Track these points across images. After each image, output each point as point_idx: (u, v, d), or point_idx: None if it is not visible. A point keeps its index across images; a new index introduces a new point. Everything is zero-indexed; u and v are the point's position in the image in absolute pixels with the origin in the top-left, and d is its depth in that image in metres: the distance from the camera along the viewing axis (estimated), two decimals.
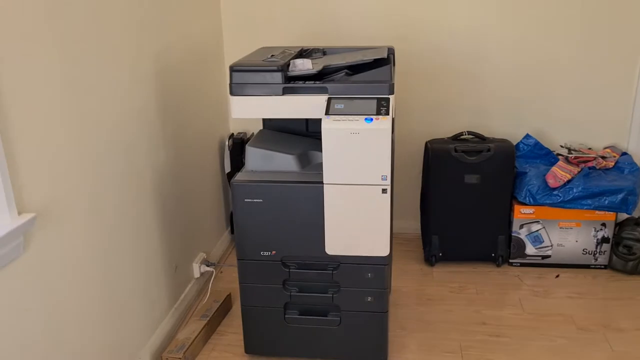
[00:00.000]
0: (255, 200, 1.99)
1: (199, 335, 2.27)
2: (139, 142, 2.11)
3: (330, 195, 1.94)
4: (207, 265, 2.72)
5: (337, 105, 1.91)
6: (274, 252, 2.05)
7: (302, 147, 2.14)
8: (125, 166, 2.01)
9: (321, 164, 1.91)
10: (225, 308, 2.52)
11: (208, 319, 2.37)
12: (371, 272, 2.03)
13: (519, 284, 2.73)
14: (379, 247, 1.99)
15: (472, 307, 2.55)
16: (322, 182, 1.93)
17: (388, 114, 1.86)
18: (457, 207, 2.80)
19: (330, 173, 1.91)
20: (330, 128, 1.86)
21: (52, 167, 1.59)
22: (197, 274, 2.67)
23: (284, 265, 2.07)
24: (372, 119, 1.85)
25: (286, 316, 2.14)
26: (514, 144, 2.82)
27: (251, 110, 1.99)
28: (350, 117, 1.87)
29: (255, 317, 2.16)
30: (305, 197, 1.96)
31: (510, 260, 2.87)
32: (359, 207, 1.94)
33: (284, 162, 2.07)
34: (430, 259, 2.88)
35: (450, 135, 2.88)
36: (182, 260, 2.54)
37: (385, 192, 1.91)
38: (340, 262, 2.04)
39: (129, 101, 2.03)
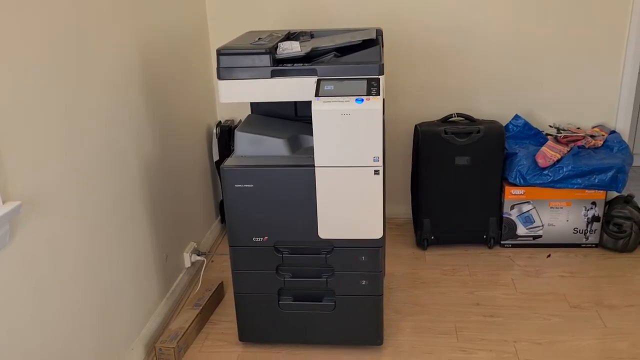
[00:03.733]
0: (245, 185, 1.96)
1: (192, 325, 2.24)
2: (125, 131, 2.06)
3: (322, 178, 1.91)
4: (198, 255, 2.69)
5: (327, 87, 1.88)
6: (266, 237, 2.02)
7: (292, 131, 2.11)
8: (111, 155, 1.97)
9: (312, 147, 1.89)
10: (217, 297, 2.49)
11: (200, 308, 2.34)
12: (365, 255, 2.01)
13: (511, 265, 2.73)
14: (373, 229, 1.97)
15: (466, 288, 2.55)
16: (313, 165, 1.90)
17: (379, 94, 1.84)
18: (448, 190, 2.79)
19: (321, 155, 1.88)
20: (321, 109, 1.83)
21: (36, 157, 1.55)
22: (188, 264, 2.63)
23: (277, 250, 2.05)
24: (362, 100, 1.83)
25: (280, 302, 2.12)
26: (504, 125, 2.81)
27: (239, 95, 1.96)
28: (341, 98, 1.84)
29: (248, 304, 2.13)
30: (297, 181, 1.94)
31: (502, 242, 2.87)
32: (352, 189, 1.92)
33: (273, 147, 2.04)
34: (422, 243, 2.88)
35: (439, 117, 2.86)
36: (173, 250, 2.50)
37: (378, 174, 1.89)
38: (333, 245, 2.02)
39: (114, 89, 1.98)
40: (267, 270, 2.07)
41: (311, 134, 1.87)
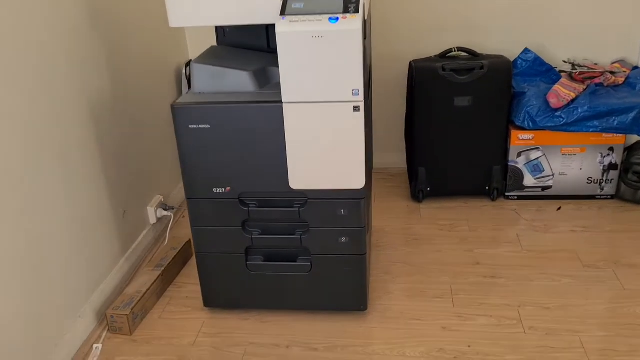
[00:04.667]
0: (201, 126, 1.65)
1: (151, 288, 1.97)
2: (68, 65, 1.74)
3: (291, 117, 1.60)
4: (165, 210, 2.40)
5: (295, 4, 1.54)
6: (228, 188, 1.72)
7: (260, 63, 1.78)
8: (51, 91, 1.65)
9: None
10: (184, 256, 2.21)
11: (163, 269, 2.07)
12: (345, 208, 1.72)
13: (517, 219, 2.44)
14: (353, 178, 1.66)
15: (464, 246, 2.26)
16: (280, 102, 1.58)
17: (358, 12, 1.50)
18: (446, 135, 2.47)
19: (289, 89, 1.56)
20: (287, 31, 1.50)
21: None
22: (153, 220, 2.35)
23: (242, 203, 1.75)
24: (337, 18, 1.49)
25: (248, 263, 1.83)
26: (511, 60, 2.45)
27: (192, 16, 1.62)
28: (311, 17, 1.50)
29: (212, 265, 1.85)
30: (262, 121, 1.62)
31: (507, 193, 2.57)
32: (327, 130, 1.60)
33: (237, 81, 1.71)
34: (417, 195, 2.57)
35: (437, 53, 2.51)
36: (134, 205, 2.21)
37: (358, 110, 1.57)
38: (307, 197, 1.72)
39: (55, 16, 1.65)
40: (232, 227, 1.78)
41: None
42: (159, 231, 2.40)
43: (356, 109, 1.57)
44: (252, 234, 1.79)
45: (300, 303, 1.88)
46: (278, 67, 1.55)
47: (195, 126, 1.65)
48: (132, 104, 2.19)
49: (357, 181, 1.67)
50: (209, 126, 1.64)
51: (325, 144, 1.62)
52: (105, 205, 1.99)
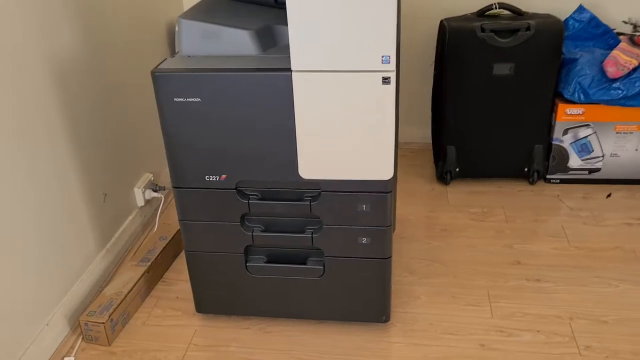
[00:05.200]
0: (189, 99, 1.31)
1: (134, 288, 1.67)
2: (23, 15, 1.39)
3: (302, 90, 1.26)
4: (155, 191, 2.08)
5: None
6: (223, 176, 1.40)
7: (264, 20, 1.43)
8: None
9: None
10: (175, 247, 1.91)
11: (149, 263, 1.76)
12: (367, 203, 1.39)
13: (560, 207, 2.11)
14: (379, 167, 1.33)
15: (501, 239, 1.94)
16: (289, 70, 1.24)
17: None
18: (482, 108, 2.12)
19: (301, 54, 1.22)
20: None
21: None
22: (140, 202, 2.03)
23: (241, 194, 1.43)
24: None
25: (248, 264, 1.52)
26: (562, 20, 2.07)
27: None
28: None
29: (205, 266, 1.55)
30: (266, 94, 1.29)
31: (548, 176, 2.23)
32: (347, 107, 1.26)
33: (235, 42, 1.37)
34: (444, 176, 2.24)
35: (474, 10, 2.14)
36: (117, 186, 1.89)
37: (388, 83, 1.23)
38: (321, 189, 1.39)
39: None
40: (228, 222, 1.46)
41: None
42: (147, 216, 2.09)
43: (386, 80, 1.23)
44: (252, 231, 1.47)
45: (310, 312, 1.58)
46: (287, 25, 1.21)
47: (181, 99, 1.31)
48: (112, 65, 1.85)
49: (384, 171, 1.34)
50: (199, 99, 1.31)
51: (345, 123, 1.28)
52: (79, 189, 1.68)
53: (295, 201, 1.42)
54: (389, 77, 1.22)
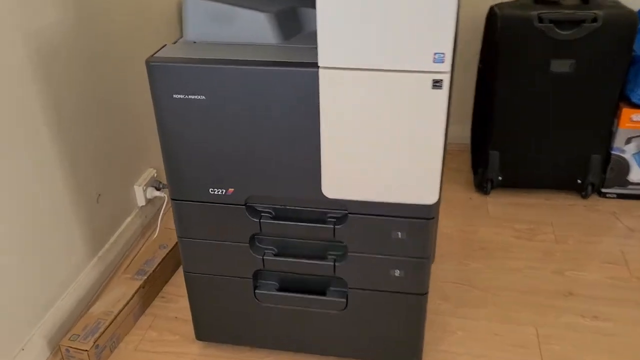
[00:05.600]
0: (192, 96, 1.07)
1: (127, 306, 1.46)
2: None
3: (330, 91, 1.01)
4: (158, 189, 1.86)
5: None
6: (231, 190, 1.16)
7: (287, 1, 1.18)
8: None
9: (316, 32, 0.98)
10: (178, 257, 1.67)
11: (146, 276, 1.54)
12: (403, 229, 1.14)
13: (617, 227, 1.84)
14: (422, 189, 1.08)
15: (550, 263, 1.68)
16: (315, 65, 0.99)
17: None
18: (534, 109, 1.84)
19: (331, 46, 0.97)
20: None
21: None
22: (141, 201, 1.81)
23: (251, 211, 1.19)
24: None
25: (257, 291, 1.29)
26: (635, 11, 1.78)
27: None
28: None
29: (207, 291, 1.32)
30: (286, 93, 1.04)
31: (603, 190, 1.95)
32: (386, 114, 1.01)
33: (251, 27, 1.12)
34: (484, 185, 1.98)
35: None
36: (114, 184, 1.67)
37: (440, 87, 0.97)
38: (348, 210, 1.15)
39: None
40: (236, 242, 1.23)
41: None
42: (148, 217, 1.86)
43: (437, 84, 0.97)
44: (263, 254, 1.24)
45: (327, 348, 1.35)
46: (314, 8, 0.96)
47: (182, 96, 1.07)
48: (109, 46, 1.61)
49: (428, 194, 1.09)
50: (203, 97, 1.06)
51: (382, 134, 1.03)
52: (67, 188, 1.45)
53: (316, 223, 1.18)
54: (442, 80, 0.97)
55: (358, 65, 0.98)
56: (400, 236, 1.15)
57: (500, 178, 1.96)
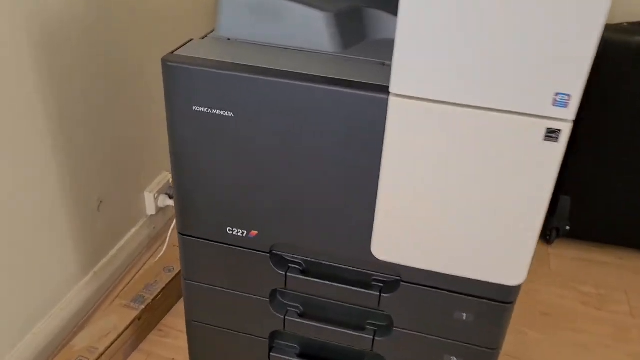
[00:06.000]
0: (217, 111, 0.81)
1: (117, 341, 1.22)
2: None
3: (402, 126, 0.75)
4: (172, 197, 1.61)
5: None
6: (254, 232, 0.91)
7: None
8: None
9: (388, 41, 0.72)
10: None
11: (144, 305, 1.31)
12: (471, 311, 0.88)
13: None
14: (506, 266, 0.82)
15: (625, 343, 1.39)
16: (386, 90, 0.73)
17: None
18: (621, 151, 1.55)
19: (410, 69, 0.71)
20: None
21: None
22: (151, 210, 1.57)
23: (277, 261, 0.93)
24: None
25: (273, 354, 1.04)
26: None
27: None
28: None
29: (212, 344, 1.07)
30: (340, 122, 0.78)
31: None
32: (472, 165, 0.75)
33: (303, 29, 0.86)
34: (548, 233, 1.69)
35: (634, 19, 1.56)
36: (120, 189, 1.44)
37: (555, 139, 0.70)
38: (401, 277, 0.89)
39: None
40: (254, 295, 0.98)
41: (392, 7, 0.69)
42: (157, 228, 1.63)
43: (552, 135, 0.70)
44: (286, 313, 0.98)
45: None
46: (385, 11, 0.70)
47: (205, 109, 0.82)
48: (124, 32, 1.37)
49: (513, 273, 0.82)
50: (231, 114, 0.81)
51: (464, 190, 0.77)
52: (62, 192, 1.22)
53: (358, 286, 0.92)
54: (559, 131, 0.70)
55: (445, 98, 0.71)
56: (465, 318, 0.88)
57: (567, 227, 1.67)
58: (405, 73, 0.71)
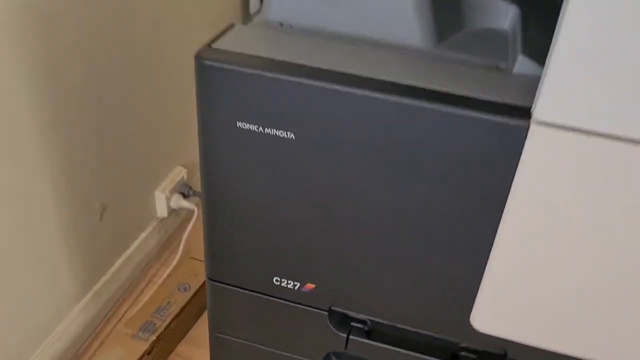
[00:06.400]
0: (270, 130, 0.58)
1: None
2: None
3: (541, 164, 0.51)
4: (186, 196, 1.39)
5: None
6: (310, 285, 0.69)
7: None
8: None
9: (493, 33, 0.50)
10: (202, 302, 1.23)
11: (155, 335, 1.09)
12: None
13: None
14: None
15: None
16: (526, 115, 0.50)
17: None
18: None
19: (569, 91, 0.47)
20: None
21: None
22: (162, 212, 1.35)
23: (336, 321, 0.72)
24: None
25: None
26: None
27: None
28: None
29: None
30: (446, 154, 0.55)
31: None
32: (634, 223, 0.52)
33: (383, 14, 0.62)
34: None
35: None
36: (126, 190, 1.21)
37: None
38: (507, 355, 0.67)
39: None
40: (304, 357, 0.76)
41: None
42: (169, 232, 1.40)
43: None
44: None
45: None
46: None
47: (253, 127, 0.58)
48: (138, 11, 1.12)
49: None
50: (292, 136, 0.58)
51: (617, 256, 0.54)
52: (57, 198, 1.00)
53: (441, 357, 0.70)
54: None
55: (617, 131, 0.48)
56: None
57: None
58: (563, 93, 0.48)
